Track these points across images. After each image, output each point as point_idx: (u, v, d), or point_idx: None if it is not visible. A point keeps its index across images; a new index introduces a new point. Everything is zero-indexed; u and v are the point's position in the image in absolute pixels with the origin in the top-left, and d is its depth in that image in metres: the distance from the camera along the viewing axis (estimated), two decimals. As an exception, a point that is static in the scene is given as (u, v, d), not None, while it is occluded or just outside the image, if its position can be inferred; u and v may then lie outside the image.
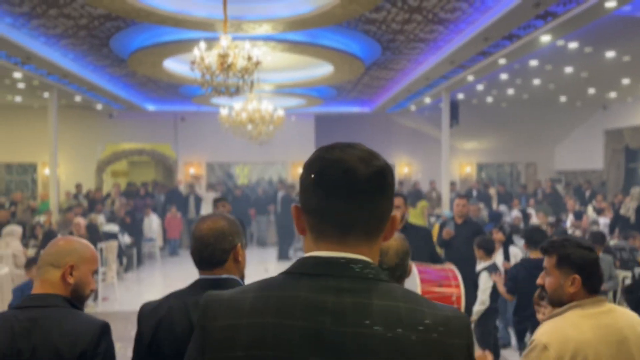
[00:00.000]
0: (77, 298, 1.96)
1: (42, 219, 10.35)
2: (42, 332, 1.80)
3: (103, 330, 1.88)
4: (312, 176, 1.06)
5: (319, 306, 1.00)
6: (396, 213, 4.55)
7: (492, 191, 14.54)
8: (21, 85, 11.67)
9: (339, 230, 1.05)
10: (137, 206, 12.88)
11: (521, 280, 4.50)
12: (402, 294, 1.04)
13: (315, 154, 1.10)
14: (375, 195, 1.06)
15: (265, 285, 1.07)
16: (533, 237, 4.77)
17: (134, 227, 11.51)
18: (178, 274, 11.38)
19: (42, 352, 1.78)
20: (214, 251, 1.94)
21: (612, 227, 9.77)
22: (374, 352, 0.97)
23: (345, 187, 1.04)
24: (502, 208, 12.77)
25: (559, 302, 2.05)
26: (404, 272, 2.07)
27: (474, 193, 14.21)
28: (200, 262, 1.97)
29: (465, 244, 5.82)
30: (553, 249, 2.07)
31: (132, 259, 10.91)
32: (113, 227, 10.33)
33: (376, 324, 0.98)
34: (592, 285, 2.01)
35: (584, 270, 2.01)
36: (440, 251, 5.86)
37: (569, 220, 10.57)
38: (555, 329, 1.95)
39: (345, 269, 1.03)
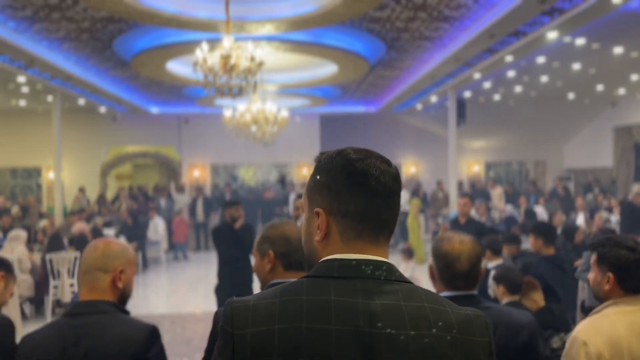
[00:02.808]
0: (123, 302, 1.96)
1: (42, 223, 10.32)
2: (92, 338, 1.80)
3: (153, 334, 1.85)
4: (350, 179, 1.08)
5: (351, 308, 1.01)
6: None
7: (499, 190, 14.38)
8: (25, 89, 11.68)
9: (375, 231, 1.09)
10: (139, 210, 12.81)
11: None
12: (425, 294, 1.07)
13: (338, 157, 1.11)
14: (398, 195, 1.12)
15: (290, 290, 1.06)
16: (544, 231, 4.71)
17: (137, 231, 11.46)
18: (183, 278, 11.34)
19: (93, 359, 1.78)
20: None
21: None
22: (405, 352, 0.99)
23: (384, 187, 1.08)
24: (509, 207, 12.64)
25: (598, 297, 2.13)
26: (478, 275, 2.05)
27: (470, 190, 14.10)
28: (297, 263, 1.94)
29: None
30: (593, 247, 2.15)
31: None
32: (109, 232, 10.29)
33: (407, 324, 1.01)
34: (628, 284, 2.05)
35: (619, 269, 2.04)
36: None
37: (580, 219, 10.43)
38: (592, 325, 2.02)
39: (370, 271, 1.06)
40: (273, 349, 1.00)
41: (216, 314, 1.98)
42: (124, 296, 1.95)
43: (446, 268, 1.97)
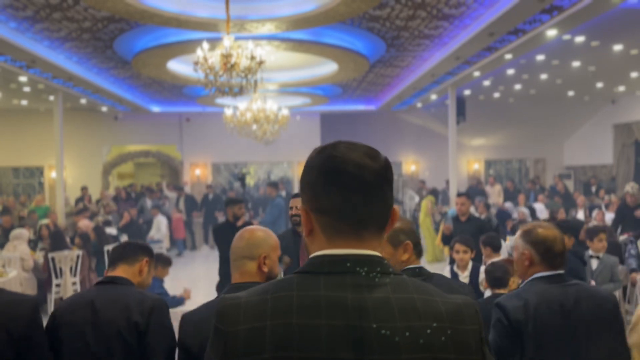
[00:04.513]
0: None
1: (45, 221, 10.33)
2: None
3: None
4: (325, 176, 1.07)
5: (341, 303, 1.02)
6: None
7: (498, 187, 14.39)
8: (27, 89, 11.71)
9: (355, 227, 1.07)
10: (120, 209, 12.78)
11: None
12: (414, 286, 1.07)
13: (320, 154, 1.10)
14: (384, 189, 1.08)
15: (281, 286, 1.07)
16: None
17: (135, 230, 11.49)
18: (184, 275, 11.38)
19: None
20: None
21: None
22: (396, 345, 0.99)
23: (360, 182, 1.06)
24: (508, 205, 12.65)
25: None
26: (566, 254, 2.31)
27: (478, 188, 14.10)
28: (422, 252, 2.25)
29: None
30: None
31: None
32: (110, 230, 10.35)
33: (396, 316, 1.01)
34: None
35: None
36: (445, 249, 5.92)
37: (579, 215, 10.46)
38: None
39: (359, 265, 1.06)
40: (265, 344, 1.00)
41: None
42: (270, 278, 2.13)
43: (547, 251, 2.23)
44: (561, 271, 2.25)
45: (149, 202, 13.64)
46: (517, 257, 2.29)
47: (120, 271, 2.48)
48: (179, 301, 5.64)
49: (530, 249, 2.24)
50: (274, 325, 1.01)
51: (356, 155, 1.07)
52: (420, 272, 2.20)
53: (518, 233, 2.32)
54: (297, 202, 4.53)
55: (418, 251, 2.22)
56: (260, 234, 2.17)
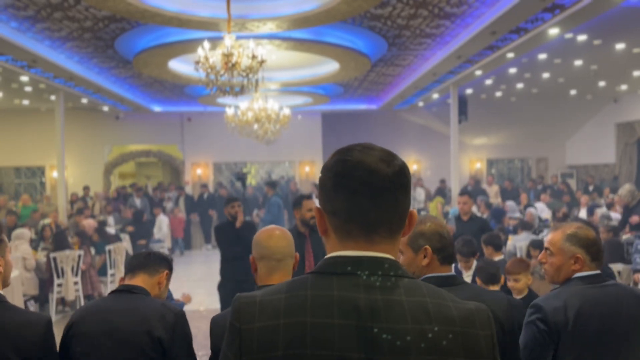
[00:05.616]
0: None
1: (47, 221, 10.32)
2: None
3: None
4: (335, 178, 1.09)
5: (353, 304, 1.03)
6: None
7: (496, 187, 14.34)
8: (28, 89, 11.71)
9: (365, 230, 1.08)
10: (114, 209, 12.77)
11: None
12: (427, 289, 1.08)
13: (335, 156, 1.12)
14: (397, 194, 1.09)
15: (296, 285, 1.09)
16: None
17: (141, 230, 11.50)
18: (186, 275, 11.39)
19: None
20: None
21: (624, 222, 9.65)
22: (407, 347, 1.01)
23: (370, 187, 1.07)
24: (510, 204, 12.62)
25: None
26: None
27: (468, 188, 14.06)
28: (450, 257, 2.07)
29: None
30: None
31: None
32: (110, 230, 10.36)
33: (407, 318, 1.02)
34: None
35: None
36: None
37: (582, 214, 10.43)
38: None
39: (373, 267, 1.07)
40: (278, 342, 1.02)
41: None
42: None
43: (598, 252, 2.26)
44: (599, 271, 2.21)
45: (137, 202, 13.64)
46: (564, 261, 2.20)
47: (139, 280, 2.41)
48: (180, 306, 5.63)
49: (582, 251, 2.20)
50: (288, 323, 1.03)
51: (369, 159, 1.08)
52: (446, 282, 1.98)
53: (561, 236, 2.22)
54: (310, 204, 4.61)
55: (443, 257, 2.04)
56: (282, 233, 2.16)
